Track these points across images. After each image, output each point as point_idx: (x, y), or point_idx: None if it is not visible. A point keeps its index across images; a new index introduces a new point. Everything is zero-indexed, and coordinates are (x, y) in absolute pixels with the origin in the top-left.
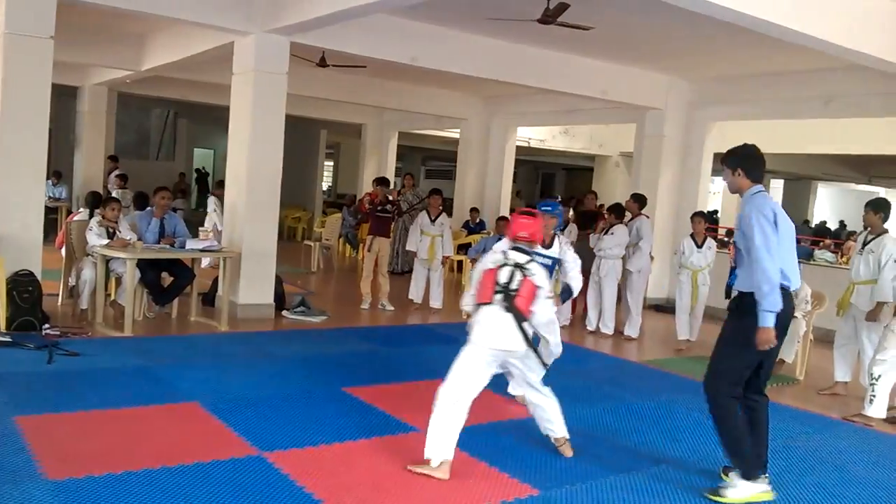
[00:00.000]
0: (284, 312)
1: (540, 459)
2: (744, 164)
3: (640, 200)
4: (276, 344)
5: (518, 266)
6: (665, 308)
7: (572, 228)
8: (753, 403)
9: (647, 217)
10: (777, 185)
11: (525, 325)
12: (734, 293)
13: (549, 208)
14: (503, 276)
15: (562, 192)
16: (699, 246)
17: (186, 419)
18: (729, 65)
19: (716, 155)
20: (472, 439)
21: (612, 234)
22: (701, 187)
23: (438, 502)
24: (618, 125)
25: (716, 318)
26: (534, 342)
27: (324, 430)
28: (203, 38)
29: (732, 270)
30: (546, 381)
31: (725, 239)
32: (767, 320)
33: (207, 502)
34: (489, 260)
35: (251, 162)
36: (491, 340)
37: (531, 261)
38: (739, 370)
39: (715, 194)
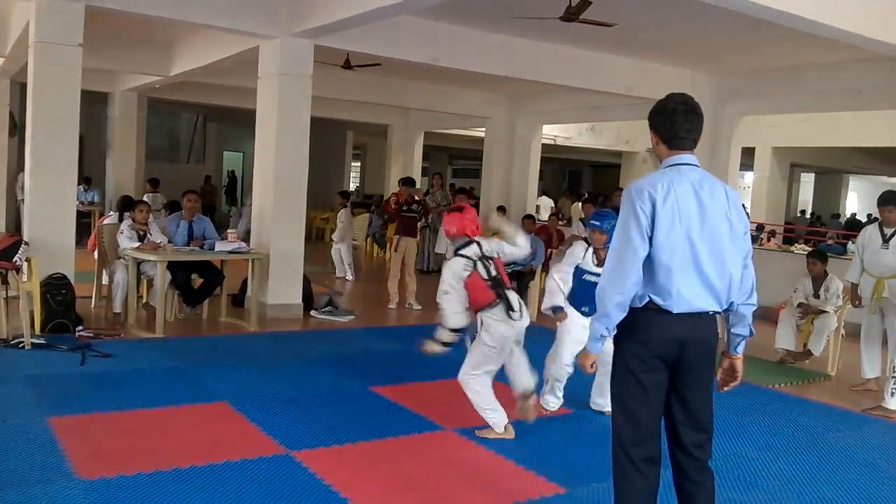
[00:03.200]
0: (312, 312)
1: (566, 458)
2: (654, 122)
3: None
4: (305, 344)
5: (482, 257)
6: None
7: None
8: (686, 483)
9: None
10: (808, 179)
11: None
12: None
13: (598, 223)
14: (484, 273)
15: (589, 188)
16: None
17: (216, 419)
18: (755, 58)
19: (743, 150)
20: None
21: None
22: (730, 182)
23: (464, 500)
24: (645, 121)
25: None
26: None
27: (351, 430)
28: (229, 42)
29: None
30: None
31: (756, 234)
32: (591, 344)
33: (236, 501)
34: (463, 273)
35: (278, 164)
36: (519, 324)
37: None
38: (635, 422)
39: (744, 189)
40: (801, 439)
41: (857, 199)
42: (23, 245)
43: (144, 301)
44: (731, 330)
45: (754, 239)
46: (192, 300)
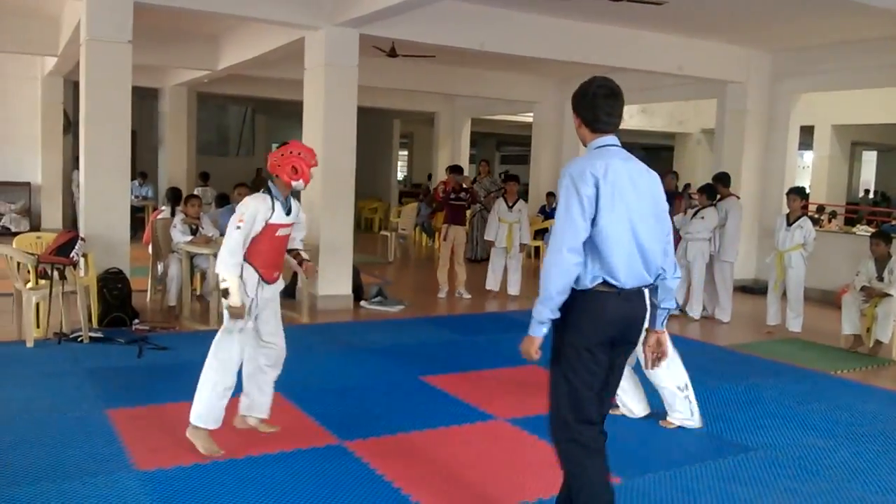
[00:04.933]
0: (362, 303)
1: (620, 447)
2: (577, 106)
3: (722, 180)
4: (356, 334)
5: None
6: (753, 290)
7: None
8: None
9: (738, 198)
10: (870, 158)
11: None
12: None
13: None
14: None
15: None
16: (789, 225)
17: (272, 410)
18: (811, 34)
19: (802, 128)
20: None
21: (702, 218)
22: (788, 162)
23: (516, 489)
24: (698, 101)
25: (818, 301)
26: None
27: (402, 419)
28: (274, 35)
29: None
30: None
31: (816, 216)
32: (534, 328)
33: (290, 491)
34: None
35: (325, 155)
36: None
37: None
38: (573, 399)
39: (803, 168)
40: (865, 426)
41: None
42: (79, 241)
43: (198, 294)
44: (660, 305)
45: (815, 221)
46: None
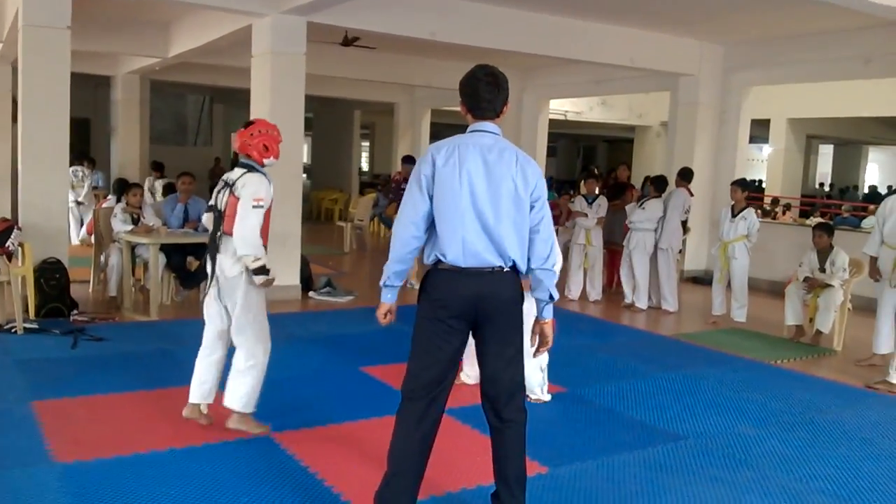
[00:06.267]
0: (311, 293)
1: (549, 435)
2: (460, 92)
3: (682, 174)
4: (300, 325)
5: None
6: (704, 280)
7: (602, 201)
8: (492, 425)
9: (687, 190)
10: (826, 151)
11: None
12: None
13: None
14: None
15: (604, 164)
16: (734, 216)
17: None
18: (763, 26)
19: (753, 121)
20: (477, 413)
21: (643, 208)
22: (739, 155)
23: (443, 478)
24: (658, 94)
25: (767, 291)
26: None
27: (337, 410)
28: (223, 21)
29: None
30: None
31: (768, 208)
32: (382, 294)
33: (211, 484)
34: None
35: None
36: None
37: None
38: (411, 366)
39: (760, 162)
40: (798, 415)
41: (878, 171)
42: (15, 230)
43: (141, 284)
44: (533, 294)
45: (767, 213)
46: (188, 283)
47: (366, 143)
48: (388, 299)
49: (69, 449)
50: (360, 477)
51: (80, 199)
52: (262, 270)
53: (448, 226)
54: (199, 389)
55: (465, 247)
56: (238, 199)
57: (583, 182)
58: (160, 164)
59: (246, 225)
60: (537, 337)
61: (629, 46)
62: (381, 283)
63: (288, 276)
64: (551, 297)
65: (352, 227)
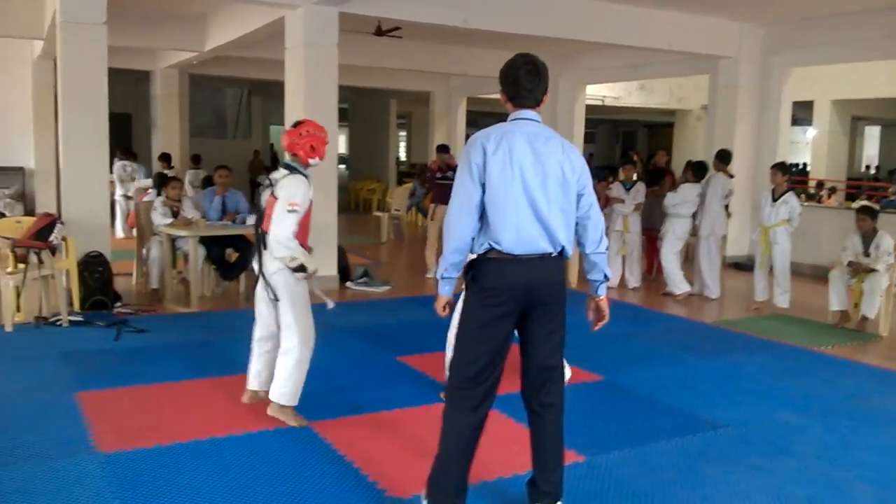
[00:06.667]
0: (348, 284)
1: (586, 424)
2: (501, 81)
3: (720, 157)
4: (337, 315)
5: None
6: (747, 266)
7: (640, 187)
8: (531, 407)
9: (731, 176)
10: (873, 133)
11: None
12: None
13: None
14: None
15: (644, 149)
16: (774, 200)
17: (239, 391)
18: (804, 6)
19: (796, 103)
20: (514, 401)
21: (675, 191)
22: (781, 138)
23: (484, 467)
24: (698, 77)
25: (811, 276)
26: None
27: (373, 399)
28: (257, 14)
29: None
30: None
31: (812, 192)
32: (440, 287)
33: (250, 472)
34: None
35: None
36: None
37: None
38: (470, 364)
39: (804, 145)
40: (842, 402)
41: None
42: (58, 224)
43: (182, 276)
44: (588, 276)
45: (812, 196)
46: (228, 274)
47: (402, 133)
48: (446, 292)
49: (111, 439)
50: (395, 465)
51: (129, 194)
52: (301, 268)
53: (501, 214)
54: (256, 379)
55: (518, 234)
56: (276, 199)
57: (620, 168)
58: (198, 156)
59: (281, 227)
60: (592, 313)
61: (667, 29)
62: (439, 275)
63: (325, 266)
64: (606, 277)
65: (389, 217)
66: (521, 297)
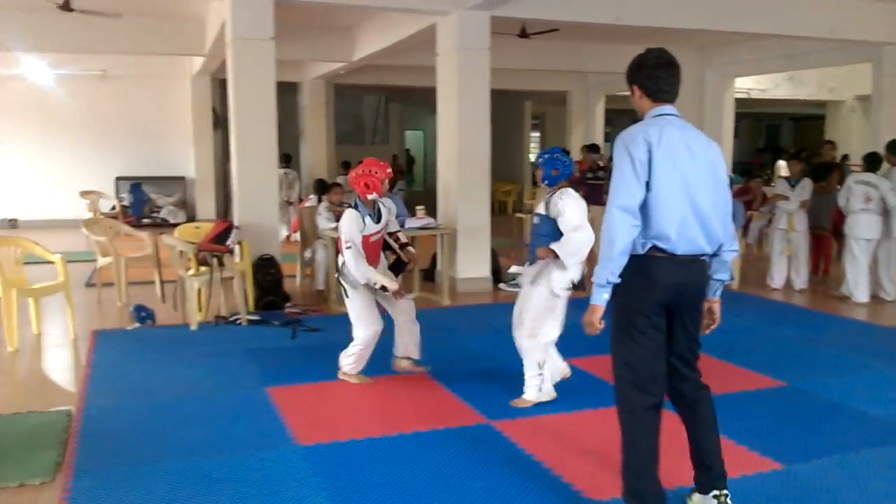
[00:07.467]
0: (501, 285)
1: (778, 431)
2: (636, 77)
3: (891, 149)
4: (496, 316)
5: None
6: None
7: (806, 183)
8: (684, 399)
9: None
10: None
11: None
12: None
13: (538, 157)
14: None
15: (789, 144)
16: None
17: (418, 389)
18: None
19: None
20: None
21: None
22: None
23: (670, 474)
24: (851, 66)
25: None
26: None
27: (548, 401)
28: (407, 22)
29: None
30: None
31: None
32: (595, 295)
33: (443, 468)
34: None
35: (460, 139)
36: None
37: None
38: (640, 365)
39: None
40: None
41: None
42: (234, 230)
43: None
44: (714, 276)
45: None
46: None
47: (535, 134)
48: (603, 300)
49: (308, 432)
50: (584, 468)
51: (290, 200)
52: (383, 288)
53: (665, 212)
54: (395, 350)
55: (681, 233)
56: None
57: (787, 163)
58: (348, 163)
59: (346, 259)
60: (705, 315)
61: (826, 16)
62: (603, 280)
63: (479, 267)
64: (731, 278)
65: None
66: (673, 298)
